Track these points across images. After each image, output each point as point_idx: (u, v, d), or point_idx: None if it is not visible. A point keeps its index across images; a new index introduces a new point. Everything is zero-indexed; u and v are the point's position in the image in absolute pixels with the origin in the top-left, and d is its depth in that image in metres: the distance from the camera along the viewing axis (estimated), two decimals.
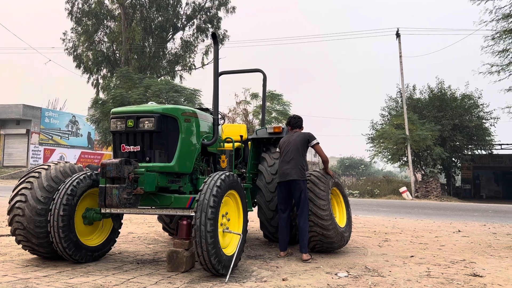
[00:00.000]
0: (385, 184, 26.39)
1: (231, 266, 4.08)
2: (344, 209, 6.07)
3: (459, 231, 8.61)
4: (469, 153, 28.53)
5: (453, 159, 28.80)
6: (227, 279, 3.95)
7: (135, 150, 4.37)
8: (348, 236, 5.80)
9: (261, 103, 31.68)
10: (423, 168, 27.12)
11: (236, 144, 6.07)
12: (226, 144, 5.80)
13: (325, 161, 5.56)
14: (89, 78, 31.40)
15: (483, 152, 29.01)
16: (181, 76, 32.78)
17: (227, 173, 4.24)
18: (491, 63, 8.38)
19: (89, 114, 27.31)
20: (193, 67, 32.92)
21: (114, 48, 31.40)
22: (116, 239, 5.04)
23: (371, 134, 28.37)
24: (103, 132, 24.48)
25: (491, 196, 32.38)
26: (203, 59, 32.43)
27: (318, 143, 5.40)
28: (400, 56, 25.20)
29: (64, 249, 4.28)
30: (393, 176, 44.07)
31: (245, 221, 4.55)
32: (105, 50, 31.32)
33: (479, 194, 33.12)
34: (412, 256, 5.63)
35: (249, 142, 6.33)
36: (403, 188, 24.07)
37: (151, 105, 4.61)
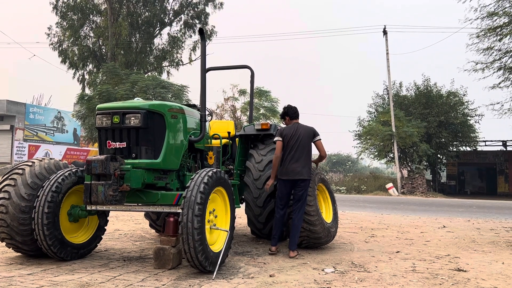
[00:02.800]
0: (371, 181, 26.63)
1: (218, 262, 4.07)
2: (330, 205, 6.11)
3: (444, 226, 8.73)
4: (454, 149, 28.90)
5: (439, 155, 29.16)
6: (214, 275, 3.95)
7: (121, 147, 4.33)
8: (334, 231, 5.84)
9: (249, 99, 31.73)
10: (409, 164, 27.43)
11: (224, 141, 6.05)
12: (213, 141, 5.78)
13: (323, 156, 5.59)
14: (74, 73, 30.96)
15: (468, 149, 29.41)
16: (168, 72, 32.54)
17: (214, 170, 4.23)
18: (476, 60, 8.52)
19: (75, 110, 26.91)
20: (181, 63, 32.66)
21: (100, 43, 30.99)
22: (102, 236, 4.99)
23: (358, 130, 28.56)
24: (89, 128, 24.18)
25: (475, 192, 32.89)
26: (190, 55, 32.22)
27: (320, 139, 5.38)
28: (387, 53, 25.39)
29: (49, 247, 4.23)
30: (380, 172, 44.47)
31: (233, 217, 4.55)
32: (91, 45, 30.88)
33: (464, 190, 33.61)
34: (398, 251, 5.69)
35: (236, 139, 6.32)
36: (390, 184, 24.32)
37: (137, 101, 4.56)
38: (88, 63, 31.00)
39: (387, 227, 8.44)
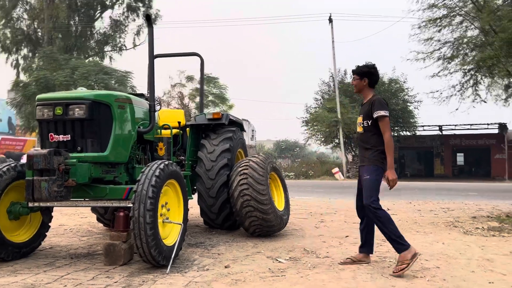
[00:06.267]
0: (319, 166, 27.38)
1: (172, 257, 4.00)
2: (282, 192, 6.19)
3: (388, 209, 9.10)
4: (396, 134, 30.27)
5: None
6: (168, 270, 3.87)
7: (65, 140, 4.10)
8: (286, 219, 5.93)
9: (197, 86, 31.30)
10: (354, 149, 28.41)
11: (174, 131, 5.91)
12: (163, 131, 5.62)
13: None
14: (7, 58, 28.87)
15: (408, 134, 30.90)
16: (111, 57, 31.14)
17: (166, 163, 4.12)
18: (417, 50, 8.99)
19: (9, 97, 25.23)
20: (124, 48, 31.44)
21: (36, 26, 29.07)
22: (46, 233, 4.74)
23: (306, 117, 29.11)
24: (26, 117, 22.81)
25: (415, 174, 34.74)
26: (134, 40, 31.02)
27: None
28: (333, 41, 25.96)
29: None
30: (325, 157, 45.77)
31: (186, 210, 4.47)
32: (25, 28, 28.90)
33: (404, 172, 35.40)
34: (347, 236, 5.88)
35: (187, 129, 6.20)
36: (336, 169, 25.11)
37: (82, 91, 4.34)
38: (22, 47, 29.00)
39: (335, 212, 8.70)
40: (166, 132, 5.61)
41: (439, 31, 8.25)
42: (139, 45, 31.09)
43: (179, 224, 4.26)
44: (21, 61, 28.99)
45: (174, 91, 29.42)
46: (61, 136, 4.09)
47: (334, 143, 28.33)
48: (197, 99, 31.71)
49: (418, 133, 32.48)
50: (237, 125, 6.44)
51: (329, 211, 8.81)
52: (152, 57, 4.83)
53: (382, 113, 4.02)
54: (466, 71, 8.03)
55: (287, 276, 3.83)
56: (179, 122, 6.11)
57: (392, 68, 41.49)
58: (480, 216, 7.93)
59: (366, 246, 4.31)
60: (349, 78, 30.00)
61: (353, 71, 4.31)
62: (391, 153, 3.98)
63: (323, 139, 27.64)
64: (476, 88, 8.38)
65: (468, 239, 5.62)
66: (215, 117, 5.92)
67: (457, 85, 8.45)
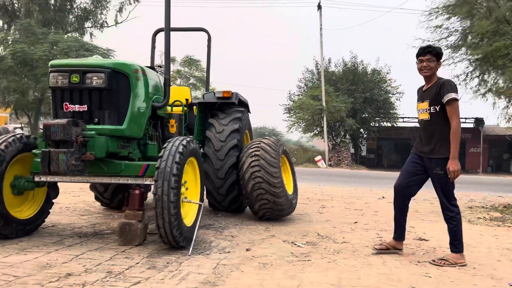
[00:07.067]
0: (301, 153, 27.41)
1: (194, 237, 3.81)
2: (291, 176, 6.06)
3: (383, 197, 9.15)
4: (376, 124, 30.59)
5: (361, 130, 30.71)
6: (190, 251, 3.69)
7: (81, 110, 3.81)
8: (295, 203, 5.82)
9: (178, 68, 30.72)
10: (334, 138, 28.58)
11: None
12: (174, 108, 5.36)
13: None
14: None
15: (388, 124, 31.27)
16: (91, 34, 30.11)
17: (188, 139, 3.90)
18: (423, 38, 8.86)
19: None
20: (105, 25, 30.39)
21: None
22: (50, 210, 4.46)
23: (288, 104, 29.00)
24: (1, 92, 21.80)
25: (391, 165, 35.30)
26: (116, 17, 30.05)
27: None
28: (321, 29, 25.77)
29: None
30: (301, 145, 45.96)
31: (202, 189, 4.28)
32: None
33: (381, 163, 35.94)
34: (356, 222, 5.81)
35: (194, 107, 5.95)
36: (319, 157, 25.19)
37: (98, 59, 4.05)
38: None
39: (332, 198, 8.65)
40: (177, 109, 5.36)
41: (448, 18, 8.20)
42: (121, 22, 30.14)
43: (199, 204, 4.07)
44: None
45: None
46: (77, 106, 3.80)
47: (316, 131, 28.38)
48: (178, 81, 31.20)
49: (399, 124, 32.91)
50: (244, 105, 6.24)
51: (325, 197, 8.75)
52: (168, 27, 4.55)
53: (453, 95, 3.65)
54: (472, 61, 8.03)
55: (313, 260, 3.71)
56: (186, 100, 5.85)
57: (376, 58, 41.68)
58: (475, 207, 8.03)
59: (401, 232, 4.11)
60: (333, 67, 30.02)
61: (428, 51, 3.88)
62: (456, 142, 3.64)
63: (305, 127, 27.65)
64: (482, 78, 8.39)
65: (477, 229, 5.63)
66: (225, 95, 5.70)
67: (461, 75, 8.46)
